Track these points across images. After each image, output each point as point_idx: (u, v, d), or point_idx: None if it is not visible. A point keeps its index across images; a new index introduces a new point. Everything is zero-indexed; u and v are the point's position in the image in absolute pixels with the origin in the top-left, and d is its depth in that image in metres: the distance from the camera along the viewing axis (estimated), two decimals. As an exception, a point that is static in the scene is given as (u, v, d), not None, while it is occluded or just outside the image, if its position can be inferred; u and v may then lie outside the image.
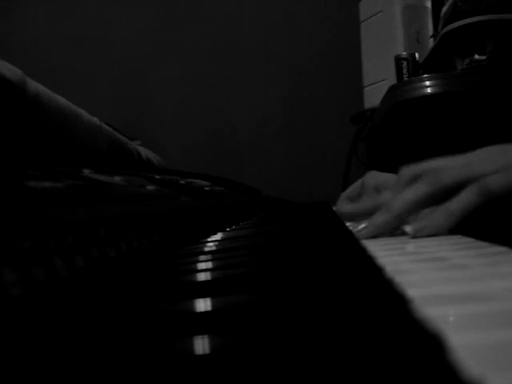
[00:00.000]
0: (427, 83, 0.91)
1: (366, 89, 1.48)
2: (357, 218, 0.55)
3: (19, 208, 0.25)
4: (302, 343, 0.14)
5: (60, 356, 0.15)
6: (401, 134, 1.03)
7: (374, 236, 0.41)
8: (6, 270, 0.20)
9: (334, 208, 0.65)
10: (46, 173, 0.34)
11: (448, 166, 0.41)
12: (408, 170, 0.44)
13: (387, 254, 0.30)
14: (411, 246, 0.35)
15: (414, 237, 0.38)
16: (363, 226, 0.42)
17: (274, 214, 0.88)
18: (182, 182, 0.68)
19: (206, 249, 0.39)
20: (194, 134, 1.89)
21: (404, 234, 0.41)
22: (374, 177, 0.60)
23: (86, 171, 0.44)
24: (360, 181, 0.61)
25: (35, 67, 0.94)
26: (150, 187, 0.51)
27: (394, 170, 0.48)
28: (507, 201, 0.38)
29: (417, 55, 1.18)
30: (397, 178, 0.44)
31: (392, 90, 0.99)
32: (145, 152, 1.02)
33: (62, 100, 0.63)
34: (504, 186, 0.37)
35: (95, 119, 0.74)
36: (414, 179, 0.42)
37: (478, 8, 0.94)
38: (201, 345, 0.14)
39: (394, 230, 0.42)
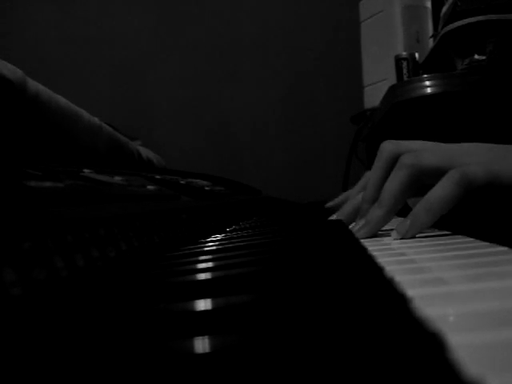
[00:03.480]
0: (427, 83, 0.91)
1: (366, 89, 1.48)
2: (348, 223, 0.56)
3: (19, 208, 0.25)
4: (303, 342, 0.14)
5: (60, 356, 0.15)
6: (401, 133, 1.03)
7: (373, 234, 0.42)
8: (6, 270, 0.20)
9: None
10: (47, 173, 0.34)
11: (429, 150, 0.41)
12: (389, 148, 0.44)
13: (388, 254, 0.30)
14: (409, 246, 0.35)
15: (402, 238, 0.38)
16: (359, 225, 0.42)
17: (273, 214, 0.88)
18: (182, 182, 0.68)
19: (206, 249, 0.39)
20: (194, 134, 1.89)
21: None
22: None
23: (87, 171, 0.44)
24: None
25: (35, 67, 0.94)
26: (151, 187, 0.51)
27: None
28: (488, 195, 0.37)
29: (417, 55, 1.18)
30: (378, 153, 0.44)
31: (392, 89, 0.99)
32: (145, 152, 1.02)
33: (62, 100, 0.63)
34: (485, 177, 0.36)
35: (95, 119, 0.74)
36: (394, 157, 0.42)
37: (478, 8, 0.94)
38: (201, 345, 0.14)
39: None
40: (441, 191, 0.37)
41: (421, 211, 0.38)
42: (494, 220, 0.46)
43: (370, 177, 0.44)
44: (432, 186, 0.38)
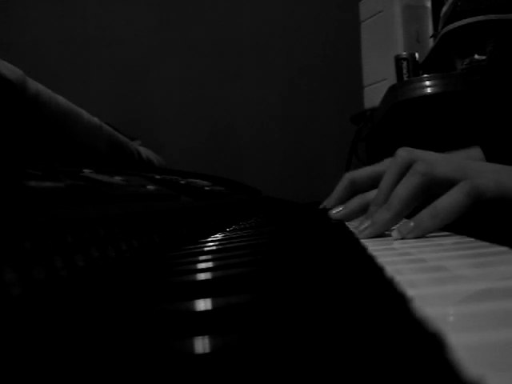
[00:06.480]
0: (427, 83, 0.91)
1: (365, 89, 1.47)
2: (349, 219, 0.56)
3: (19, 208, 0.25)
4: (303, 342, 0.14)
5: (60, 356, 0.15)
6: (401, 133, 1.03)
7: (376, 235, 0.42)
8: (6, 270, 0.20)
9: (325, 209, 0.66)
10: (47, 173, 0.34)
11: (443, 160, 0.41)
12: (403, 155, 0.44)
13: (388, 254, 0.30)
14: (410, 245, 0.35)
15: (403, 239, 0.38)
16: (365, 225, 0.42)
17: (273, 214, 0.88)
18: (182, 182, 0.68)
19: (206, 249, 0.39)
20: (194, 134, 1.89)
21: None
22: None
23: (86, 171, 0.44)
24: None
25: (35, 67, 0.94)
26: (150, 187, 0.51)
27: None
28: (498, 207, 0.38)
29: (417, 55, 1.18)
30: (393, 158, 0.45)
31: (392, 89, 0.99)
32: (145, 152, 1.02)
33: (62, 100, 0.63)
34: (495, 191, 0.37)
35: (95, 119, 0.74)
36: (408, 165, 0.42)
37: (478, 8, 0.94)
38: (201, 345, 0.14)
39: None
40: (449, 200, 0.37)
41: (426, 216, 0.38)
42: (495, 223, 0.46)
43: (382, 181, 0.44)
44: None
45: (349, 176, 0.65)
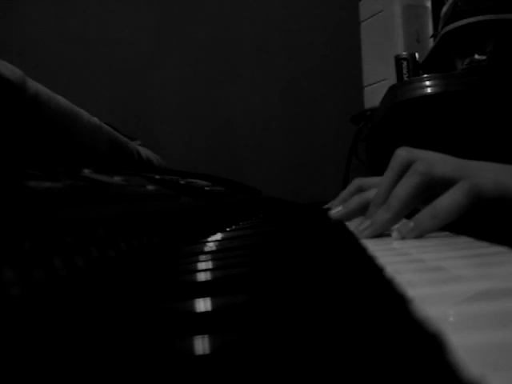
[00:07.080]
0: (427, 83, 0.91)
1: (366, 89, 1.48)
2: (349, 218, 0.56)
3: (19, 208, 0.25)
4: (302, 343, 0.14)
5: (60, 356, 0.15)
6: (401, 134, 1.03)
7: (376, 235, 0.42)
8: (6, 270, 0.20)
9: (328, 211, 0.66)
10: (47, 173, 0.34)
11: (443, 160, 0.41)
12: (402, 154, 0.44)
13: (388, 254, 0.30)
14: (410, 245, 0.35)
15: (403, 239, 0.38)
16: (364, 226, 0.42)
17: (273, 214, 0.88)
18: (182, 182, 0.68)
19: (206, 249, 0.39)
20: (194, 133, 1.89)
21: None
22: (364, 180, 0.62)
23: (86, 171, 0.44)
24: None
25: (35, 67, 0.94)
26: (150, 187, 0.51)
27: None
28: (498, 208, 0.37)
29: (417, 55, 1.18)
30: (392, 159, 0.45)
31: (392, 89, 0.99)
32: (145, 152, 1.02)
33: (62, 100, 0.63)
34: (494, 191, 0.36)
35: (95, 119, 0.74)
36: (407, 164, 0.42)
37: (478, 8, 0.94)
38: (201, 345, 0.14)
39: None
40: (449, 199, 0.37)
41: (426, 216, 0.38)
42: (494, 223, 0.46)
43: (382, 180, 0.44)
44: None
45: (358, 182, 0.64)
